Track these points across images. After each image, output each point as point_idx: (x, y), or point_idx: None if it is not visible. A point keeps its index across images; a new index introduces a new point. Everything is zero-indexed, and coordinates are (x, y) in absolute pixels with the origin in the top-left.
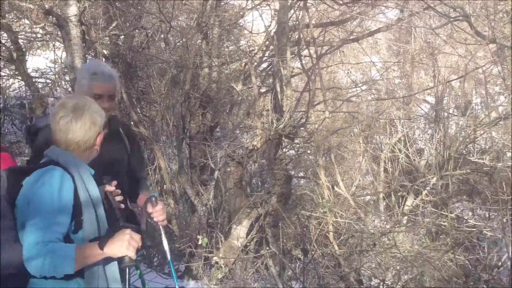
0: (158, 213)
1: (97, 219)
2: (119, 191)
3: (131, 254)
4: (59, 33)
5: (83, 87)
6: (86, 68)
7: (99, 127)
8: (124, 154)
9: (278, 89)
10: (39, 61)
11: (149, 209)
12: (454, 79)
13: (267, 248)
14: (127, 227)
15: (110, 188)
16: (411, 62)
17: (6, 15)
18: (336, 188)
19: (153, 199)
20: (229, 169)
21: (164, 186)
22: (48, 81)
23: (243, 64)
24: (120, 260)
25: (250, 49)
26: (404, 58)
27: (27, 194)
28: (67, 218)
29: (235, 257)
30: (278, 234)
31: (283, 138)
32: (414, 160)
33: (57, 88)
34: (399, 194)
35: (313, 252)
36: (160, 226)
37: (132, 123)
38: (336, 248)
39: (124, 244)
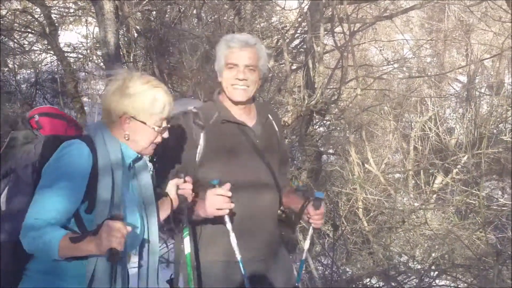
0: (318, 217)
1: (111, 201)
2: (190, 191)
3: (114, 245)
4: (92, 8)
5: (219, 60)
6: (223, 37)
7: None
8: (276, 148)
9: (311, 65)
10: (71, 36)
11: (311, 211)
12: (488, 58)
13: None
14: (110, 218)
15: (182, 185)
16: (443, 40)
17: None
18: (366, 165)
19: (318, 202)
20: None
21: None
22: (79, 56)
23: (274, 41)
24: (106, 255)
25: (282, 25)
26: (437, 37)
27: (48, 164)
28: (76, 196)
29: None
30: None
31: (314, 115)
32: (444, 139)
33: (89, 63)
34: (430, 172)
35: (342, 228)
36: (311, 226)
37: None
38: (366, 224)
39: (103, 237)
